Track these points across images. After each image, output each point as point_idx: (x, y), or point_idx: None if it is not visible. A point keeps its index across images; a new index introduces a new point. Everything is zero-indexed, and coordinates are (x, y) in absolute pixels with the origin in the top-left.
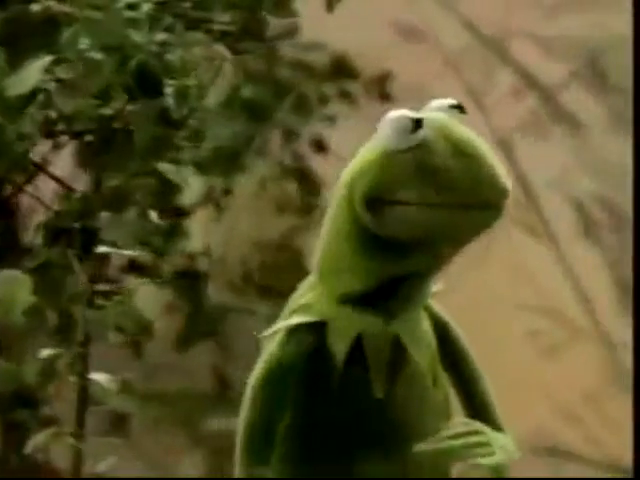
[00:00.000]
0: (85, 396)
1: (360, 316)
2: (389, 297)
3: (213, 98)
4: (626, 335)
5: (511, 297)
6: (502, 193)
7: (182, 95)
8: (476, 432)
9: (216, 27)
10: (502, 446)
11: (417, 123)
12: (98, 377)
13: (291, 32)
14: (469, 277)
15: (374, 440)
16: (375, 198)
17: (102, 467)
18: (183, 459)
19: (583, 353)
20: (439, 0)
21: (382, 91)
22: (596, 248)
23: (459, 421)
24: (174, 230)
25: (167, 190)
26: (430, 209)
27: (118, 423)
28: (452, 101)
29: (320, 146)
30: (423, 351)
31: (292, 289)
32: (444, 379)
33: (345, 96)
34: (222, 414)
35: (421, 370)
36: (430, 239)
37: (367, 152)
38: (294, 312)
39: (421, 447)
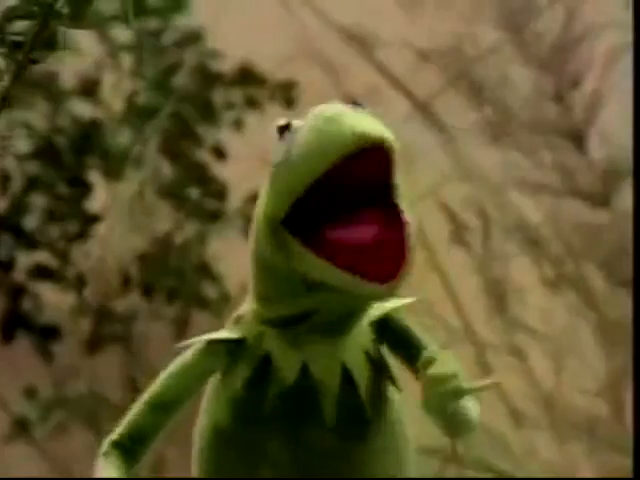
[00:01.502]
0: None
1: (271, 339)
2: (304, 322)
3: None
4: (495, 337)
5: None
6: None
7: None
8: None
9: (8, 37)
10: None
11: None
12: None
13: (195, 39)
14: None
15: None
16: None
17: None
18: (90, 463)
19: (456, 354)
20: (316, 8)
21: (287, 97)
22: (467, 253)
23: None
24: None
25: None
26: None
27: (23, 428)
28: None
29: (220, 152)
30: (334, 378)
31: (199, 293)
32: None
33: (251, 103)
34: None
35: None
36: None
37: None
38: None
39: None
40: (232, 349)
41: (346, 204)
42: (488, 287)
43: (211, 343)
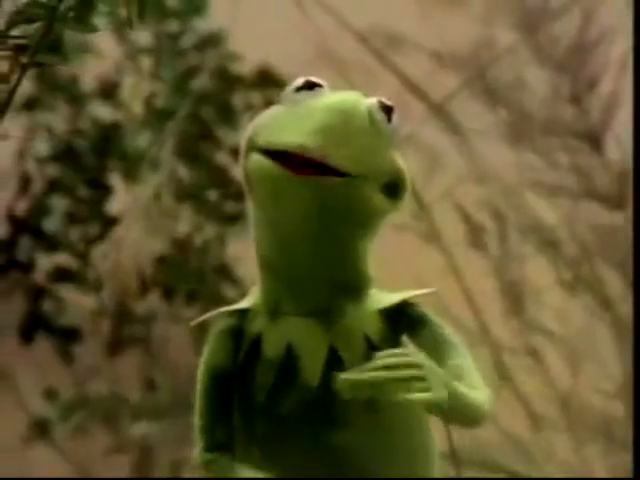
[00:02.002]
0: None
1: (263, 322)
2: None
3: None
4: (511, 338)
5: None
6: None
7: None
8: (409, 365)
9: (11, 41)
10: (444, 383)
11: (310, 86)
12: None
13: (214, 42)
14: None
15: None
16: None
17: None
18: (109, 464)
19: (473, 356)
20: (334, 11)
21: None
22: (483, 255)
23: (390, 352)
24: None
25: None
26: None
27: (43, 429)
28: (385, 101)
29: (239, 155)
30: (316, 359)
31: (218, 295)
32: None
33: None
34: (148, 419)
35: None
36: None
37: None
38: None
39: (341, 377)
40: (240, 323)
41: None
42: (504, 289)
43: (221, 322)
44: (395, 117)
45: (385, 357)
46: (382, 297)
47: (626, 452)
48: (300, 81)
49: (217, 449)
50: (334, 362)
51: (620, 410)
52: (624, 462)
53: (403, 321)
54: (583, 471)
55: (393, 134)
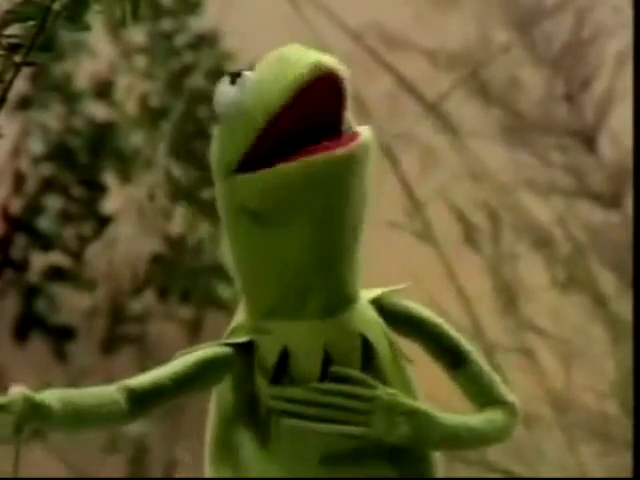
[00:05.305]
0: None
1: (286, 327)
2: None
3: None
4: (505, 338)
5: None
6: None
7: None
8: (357, 396)
9: (5, 40)
10: (404, 420)
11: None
12: None
13: (208, 41)
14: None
15: None
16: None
17: None
18: (104, 464)
19: None
20: (325, 10)
21: None
22: (477, 254)
23: (349, 373)
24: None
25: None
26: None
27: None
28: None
29: None
30: (312, 361)
31: (212, 294)
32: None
33: None
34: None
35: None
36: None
37: None
38: (227, 335)
39: (276, 389)
40: (240, 357)
41: (297, 142)
42: (498, 287)
43: (221, 346)
44: None
45: (338, 383)
46: (370, 294)
47: (620, 451)
48: (224, 83)
49: (128, 392)
50: (330, 364)
51: (614, 409)
52: (618, 461)
53: (396, 318)
54: (576, 470)
55: None
